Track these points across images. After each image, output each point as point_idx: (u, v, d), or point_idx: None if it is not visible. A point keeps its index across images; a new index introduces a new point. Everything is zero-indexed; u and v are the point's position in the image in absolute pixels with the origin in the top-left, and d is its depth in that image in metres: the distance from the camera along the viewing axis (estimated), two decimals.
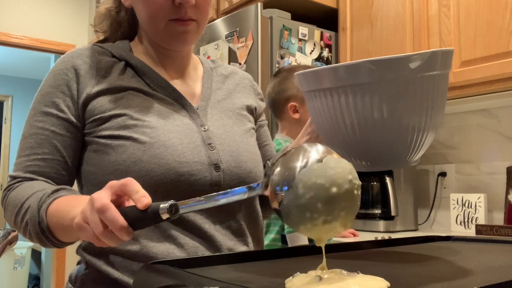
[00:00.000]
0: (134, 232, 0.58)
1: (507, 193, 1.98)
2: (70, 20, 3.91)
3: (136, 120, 0.79)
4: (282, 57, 2.24)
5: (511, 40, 1.74)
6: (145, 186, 0.75)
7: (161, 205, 0.55)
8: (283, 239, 1.82)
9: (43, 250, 4.26)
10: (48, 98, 0.82)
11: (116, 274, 0.76)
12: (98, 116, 0.80)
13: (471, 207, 2.05)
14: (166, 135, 0.78)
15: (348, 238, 2.01)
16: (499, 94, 1.86)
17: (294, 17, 2.34)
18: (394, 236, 1.81)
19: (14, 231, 0.82)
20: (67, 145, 0.81)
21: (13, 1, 3.59)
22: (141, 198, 0.56)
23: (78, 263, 0.85)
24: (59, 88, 0.82)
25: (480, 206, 2.02)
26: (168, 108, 0.83)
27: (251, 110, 0.97)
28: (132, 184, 0.58)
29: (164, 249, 0.76)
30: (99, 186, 0.78)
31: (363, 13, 2.33)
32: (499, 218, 2.04)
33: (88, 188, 0.81)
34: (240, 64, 2.22)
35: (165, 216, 0.55)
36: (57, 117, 0.81)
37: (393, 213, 2.16)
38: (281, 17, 2.27)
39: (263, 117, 1.02)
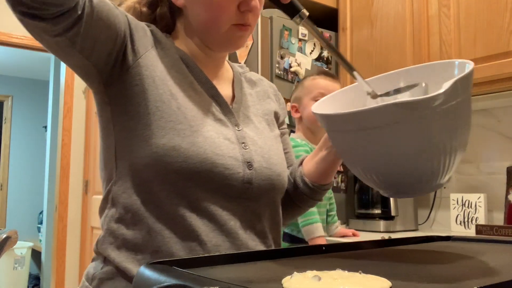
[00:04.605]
0: None
1: (507, 193, 1.98)
2: None
3: (179, 103, 0.79)
4: (282, 57, 2.24)
5: (511, 40, 1.74)
6: (180, 172, 0.75)
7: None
8: (285, 236, 1.84)
9: (43, 250, 4.25)
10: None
11: (135, 271, 0.76)
12: (148, 72, 0.80)
13: (471, 207, 2.05)
14: (205, 127, 0.79)
15: (348, 238, 2.01)
16: (499, 94, 1.86)
17: None
18: (394, 236, 1.81)
19: (14, 231, 0.81)
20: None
21: None
22: None
23: (93, 260, 0.85)
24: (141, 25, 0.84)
25: (480, 206, 2.02)
26: (206, 102, 0.84)
27: (277, 118, 0.99)
28: None
29: (186, 246, 0.76)
30: (133, 167, 0.78)
31: (363, 13, 2.33)
32: (499, 218, 2.04)
33: (123, 169, 0.80)
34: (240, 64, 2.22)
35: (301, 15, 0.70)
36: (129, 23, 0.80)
37: (393, 213, 2.17)
38: (281, 17, 2.27)
39: (285, 125, 1.04)
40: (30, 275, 5.23)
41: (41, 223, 5.50)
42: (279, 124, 1.01)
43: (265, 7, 2.34)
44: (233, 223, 0.79)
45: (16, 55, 4.95)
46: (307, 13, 0.73)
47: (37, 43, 3.66)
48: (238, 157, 0.80)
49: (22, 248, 4.92)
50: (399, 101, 0.58)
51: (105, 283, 0.79)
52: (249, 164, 0.81)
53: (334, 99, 0.80)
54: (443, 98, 0.58)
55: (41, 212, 5.45)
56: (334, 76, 1.91)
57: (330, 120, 0.66)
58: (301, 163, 0.95)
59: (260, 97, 0.97)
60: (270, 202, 0.86)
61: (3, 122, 5.89)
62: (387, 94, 0.73)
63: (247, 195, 0.81)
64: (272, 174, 0.85)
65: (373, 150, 0.63)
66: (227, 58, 0.96)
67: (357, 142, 0.64)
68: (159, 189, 0.76)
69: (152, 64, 0.81)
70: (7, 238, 1.58)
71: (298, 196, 0.94)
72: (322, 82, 1.80)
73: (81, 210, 3.68)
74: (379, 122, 0.59)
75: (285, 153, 1.00)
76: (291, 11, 0.73)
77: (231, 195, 0.79)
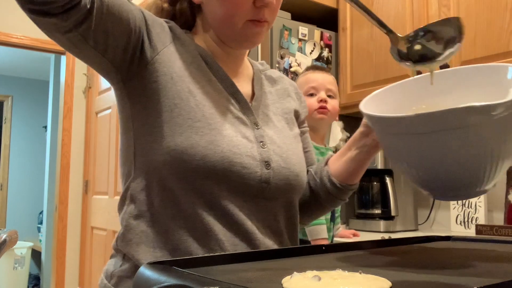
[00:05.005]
0: None
1: (507, 193, 1.98)
2: None
3: (197, 100, 0.79)
4: (282, 57, 2.24)
5: (511, 40, 1.74)
6: (198, 171, 0.75)
7: None
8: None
9: (43, 250, 4.25)
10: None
11: None
12: (166, 69, 0.80)
13: (471, 207, 2.05)
14: (223, 125, 0.79)
15: (348, 238, 2.01)
16: None
17: (294, 17, 2.34)
18: (394, 236, 1.81)
19: (14, 231, 0.80)
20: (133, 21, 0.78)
21: (13, 1, 3.58)
22: None
23: (112, 256, 0.84)
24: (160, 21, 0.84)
25: (480, 206, 2.02)
26: (224, 100, 0.83)
27: (298, 116, 0.98)
28: None
29: (203, 245, 0.76)
30: (151, 164, 0.77)
31: None
32: (499, 218, 2.04)
33: (141, 166, 0.79)
34: None
35: None
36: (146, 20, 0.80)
37: (393, 213, 2.17)
38: (281, 17, 2.27)
39: (306, 124, 1.03)
40: (30, 275, 5.23)
41: (41, 223, 5.50)
42: (300, 123, 0.99)
43: None
44: (250, 223, 0.79)
45: (16, 55, 4.95)
46: None
47: (37, 43, 3.63)
48: (256, 156, 0.80)
49: (22, 248, 4.92)
50: (470, 105, 0.55)
51: (124, 281, 0.79)
52: (266, 164, 0.81)
53: (375, 99, 0.76)
54: (503, 109, 0.56)
55: (41, 212, 5.45)
56: (323, 68, 1.90)
57: (387, 123, 0.64)
58: (326, 163, 0.94)
59: (280, 95, 0.96)
60: (287, 202, 0.86)
61: (3, 122, 5.89)
62: (416, 34, 0.69)
63: (264, 194, 0.81)
64: (290, 174, 0.84)
65: (427, 153, 0.61)
66: (246, 55, 0.95)
67: (412, 144, 0.62)
68: (177, 187, 0.76)
69: (170, 60, 0.81)
70: (6, 239, 1.58)
71: (324, 196, 0.93)
72: (312, 76, 1.80)
73: (81, 210, 3.68)
74: (446, 125, 0.57)
75: (305, 152, 0.99)
76: None
77: (248, 194, 0.79)
